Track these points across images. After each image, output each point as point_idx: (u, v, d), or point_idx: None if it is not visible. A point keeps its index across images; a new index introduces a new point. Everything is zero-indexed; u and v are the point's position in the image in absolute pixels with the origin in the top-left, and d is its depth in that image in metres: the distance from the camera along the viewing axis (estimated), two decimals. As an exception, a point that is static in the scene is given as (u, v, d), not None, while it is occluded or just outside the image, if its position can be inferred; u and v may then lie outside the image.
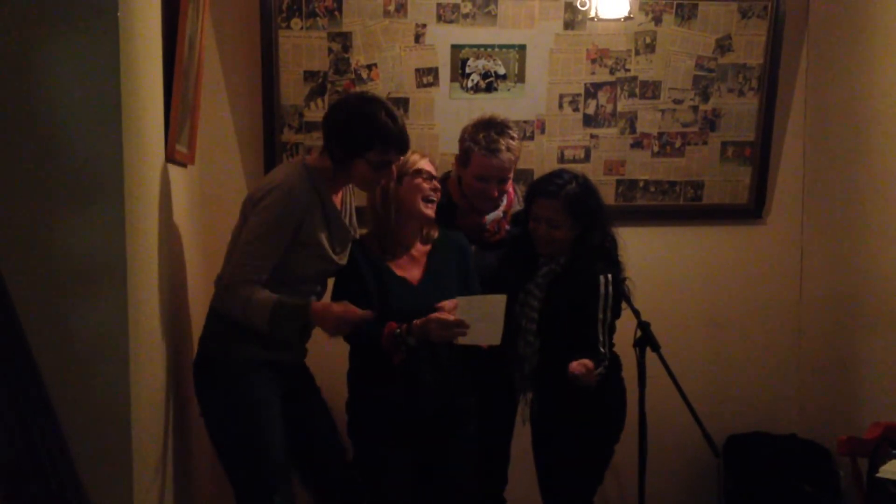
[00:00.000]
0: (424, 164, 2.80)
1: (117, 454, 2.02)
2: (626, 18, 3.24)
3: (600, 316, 2.78)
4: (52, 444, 1.75)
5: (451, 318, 2.64)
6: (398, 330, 2.65)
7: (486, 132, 2.93)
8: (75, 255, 1.97)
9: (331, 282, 2.86)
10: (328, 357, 2.90)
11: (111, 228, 1.97)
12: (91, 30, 1.93)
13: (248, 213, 2.66)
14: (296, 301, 2.60)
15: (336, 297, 2.80)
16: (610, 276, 2.81)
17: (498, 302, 2.68)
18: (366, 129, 2.60)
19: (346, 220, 2.80)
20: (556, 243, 2.87)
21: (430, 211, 2.81)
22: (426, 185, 2.78)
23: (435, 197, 2.80)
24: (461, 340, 2.68)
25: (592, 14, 3.17)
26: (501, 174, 2.94)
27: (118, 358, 2.00)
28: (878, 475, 2.64)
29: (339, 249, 2.74)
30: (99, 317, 1.98)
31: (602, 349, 2.77)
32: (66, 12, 1.92)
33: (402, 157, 2.72)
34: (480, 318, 2.66)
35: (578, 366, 2.64)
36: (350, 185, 2.85)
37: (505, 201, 3.10)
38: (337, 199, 2.78)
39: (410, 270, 2.83)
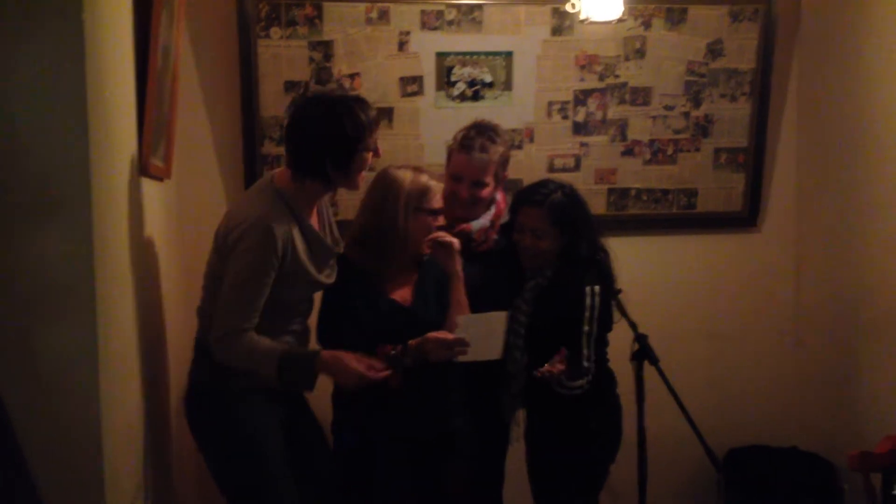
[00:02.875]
0: (439, 201, 2.71)
1: (88, 490, 1.89)
2: (620, 21, 3.14)
3: (585, 328, 2.70)
4: (16, 479, 1.62)
5: (451, 336, 2.56)
6: (393, 351, 2.54)
7: (466, 131, 2.89)
8: (38, 274, 1.84)
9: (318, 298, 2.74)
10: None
11: (77, 245, 1.84)
12: (54, 32, 1.81)
13: (223, 252, 2.50)
14: (303, 351, 2.51)
15: (324, 318, 2.69)
16: (597, 287, 2.71)
17: (499, 319, 2.62)
18: (354, 128, 2.47)
19: (328, 236, 2.68)
20: (542, 255, 2.78)
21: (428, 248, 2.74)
22: (433, 224, 2.70)
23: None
24: (461, 358, 2.59)
25: (584, 16, 3.06)
26: (473, 174, 2.85)
27: (87, 384, 1.87)
28: (894, 492, 2.54)
29: (323, 268, 2.63)
30: (65, 340, 1.85)
31: (586, 363, 2.68)
32: (27, 13, 1.79)
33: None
34: (481, 335, 2.59)
35: (545, 370, 2.59)
36: (326, 204, 2.73)
37: (493, 210, 2.99)
38: (314, 220, 2.65)
39: (401, 292, 2.74)
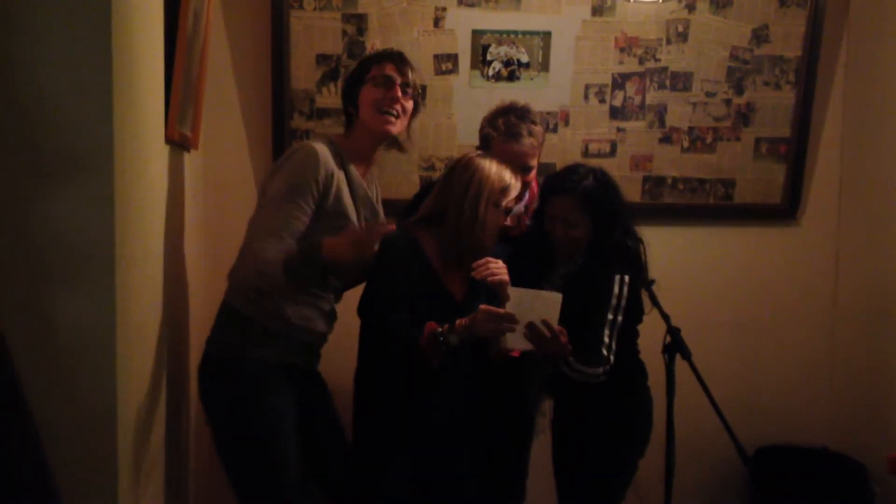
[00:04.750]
0: (513, 200, 2.66)
1: (101, 465, 1.84)
2: (665, 0, 3.02)
3: (609, 317, 2.60)
4: (28, 452, 1.56)
5: (501, 311, 2.46)
6: (440, 328, 2.46)
7: (506, 117, 2.79)
8: (58, 241, 1.78)
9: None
10: (340, 362, 2.74)
11: (98, 210, 1.78)
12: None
13: (267, 180, 2.51)
14: (308, 245, 2.40)
15: (375, 286, 2.62)
16: (626, 276, 2.62)
17: (553, 301, 2.49)
18: (361, 60, 2.69)
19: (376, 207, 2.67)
20: (575, 244, 2.68)
21: (494, 242, 2.67)
22: (503, 221, 2.65)
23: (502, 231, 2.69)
24: (509, 342, 2.49)
25: (629, -7, 2.95)
26: (523, 161, 2.77)
27: (104, 355, 1.81)
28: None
29: None
30: (83, 309, 1.79)
31: (605, 352, 2.57)
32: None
33: (404, 75, 2.63)
34: (531, 316, 2.47)
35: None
36: (377, 186, 2.71)
37: (527, 195, 2.91)
38: (365, 183, 2.64)
39: (456, 285, 2.67)
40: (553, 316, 2.48)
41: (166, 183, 2.46)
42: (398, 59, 2.63)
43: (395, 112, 2.59)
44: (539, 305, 2.47)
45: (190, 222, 2.87)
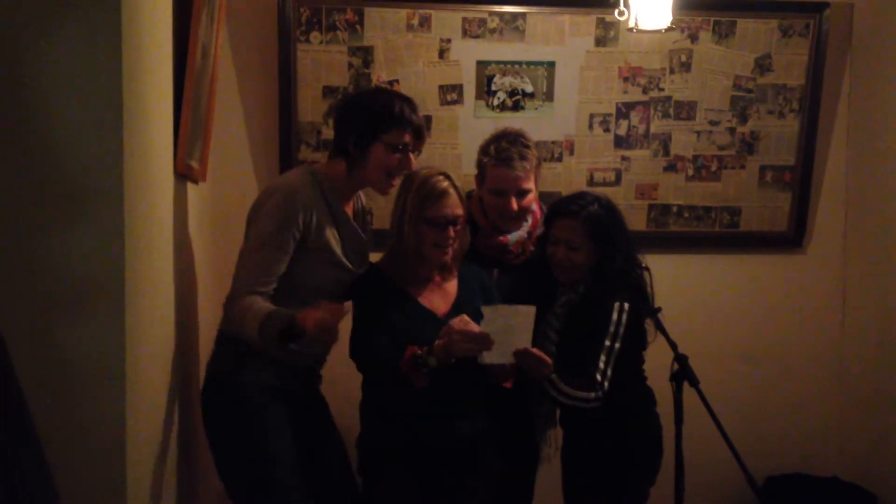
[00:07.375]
0: (439, 211, 2.56)
1: (111, 496, 1.83)
2: (668, 29, 3.06)
3: (606, 343, 2.59)
4: (37, 482, 1.56)
5: (476, 329, 2.47)
6: (419, 351, 2.47)
7: (497, 143, 2.80)
8: (68, 272, 1.78)
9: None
10: (344, 390, 2.74)
11: (108, 243, 1.79)
12: (91, 23, 1.76)
13: (251, 221, 2.53)
14: (289, 310, 2.39)
15: (356, 332, 2.62)
16: (626, 304, 2.62)
17: (526, 314, 2.50)
18: (382, 110, 2.52)
19: (360, 229, 2.65)
20: (576, 268, 2.69)
21: (443, 257, 2.61)
22: (431, 235, 2.57)
23: (448, 243, 2.60)
24: (486, 358, 2.49)
25: (632, 24, 2.99)
26: (516, 185, 2.77)
27: (114, 387, 1.81)
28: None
29: (352, 256, 2.59)
30: (94, 341, 1.79)
31: (599, 378, 2.57)
32: (65, 2, 1.75)
33: (419, 144, 2.58)
34: (507, 331, 2.48)
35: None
36: (362, 199, 2.72)
37: (530, 221, 2.92)
38: (348, 209, 2.63)
39: (436, 302, 2.66)
40: (528, 328, 2.49)
41: (175, 215, 2.48)
42: (418, 129, 2.57)
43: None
44: (513, 320, 2.49)
45: (198, 253, 2.89)
